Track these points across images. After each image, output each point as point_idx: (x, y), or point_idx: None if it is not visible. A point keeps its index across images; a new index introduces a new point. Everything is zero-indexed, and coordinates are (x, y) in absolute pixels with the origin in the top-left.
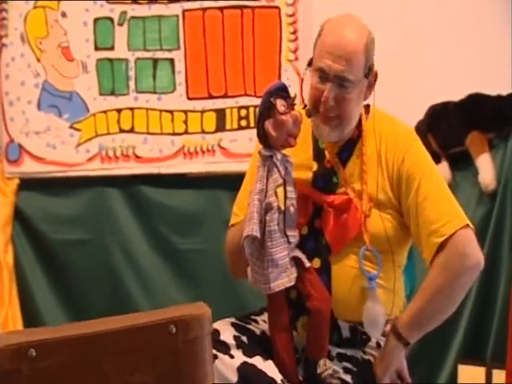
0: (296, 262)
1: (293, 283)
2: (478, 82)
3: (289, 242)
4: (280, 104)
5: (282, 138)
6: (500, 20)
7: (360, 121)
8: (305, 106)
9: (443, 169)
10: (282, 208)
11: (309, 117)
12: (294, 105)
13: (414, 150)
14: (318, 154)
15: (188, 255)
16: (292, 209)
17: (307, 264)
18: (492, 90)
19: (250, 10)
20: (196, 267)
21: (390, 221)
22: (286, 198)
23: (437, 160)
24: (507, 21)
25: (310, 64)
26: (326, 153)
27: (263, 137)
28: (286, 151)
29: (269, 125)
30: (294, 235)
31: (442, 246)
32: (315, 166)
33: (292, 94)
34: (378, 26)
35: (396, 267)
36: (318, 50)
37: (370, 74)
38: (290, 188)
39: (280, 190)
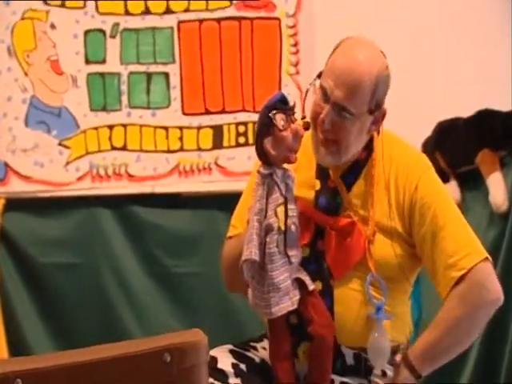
0: (299, 283)
1: (295, 307)
2: (487, 96)
3: (290, 263)
4: (279, 119)
5: (282, 154)
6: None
7: (370, 141)
8: (303, 117)
9: (452, 188)
10: (283, 228)
11: (306, 129)
12: (294, 115)
13: (428, 178)
14: (322, 173)
15: (183, 279)
16: (293, 227)
17: (311, 287)
18: (502, 105)
19: (249, 21)
20: (192, 292)
21: (397, 248)
22: (286, 217)
23: (445, 179)
24: None
25: (319, 76)
26: (331, 172)
27: (262, 155)
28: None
29: (268, 143)
30: (295, 255)
31: (459, 280)
32: (318, 185)
33: (291, 102)
34: (382, 39)
35: (402, 293)
36: (327, 66)
37: (377, 112)
38: (291, 206)
39: (280, 210)
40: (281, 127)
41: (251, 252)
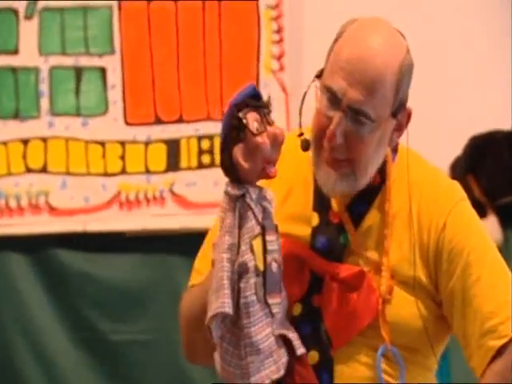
0: (284, 342)
1: (282, 373)
2: None
3: (272, 314)
4: (252, 120)
5: (258, 167)
6: None
7: (384, 164)
8: (301, 133)
9: (490, 225)
10: (261, 268)
11: (304, 150)
12: (271, 113)
13: (461, 213)
14: (321, 202)
15: (125, 349)
16: (275, 266)
17: (299, 350)
18: None
19: (216, 0)
20: (136, 367)
21: (421, 309)
22: (265, 252)
23: (481, 213)
24: None
25: (319, 76)
26: (333, 202)
27: (230, 169)
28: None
29: (238, 152)
30: (277, 302)
31: (500, 351)
32: (316, 219)
33: (265, 97)
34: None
35: (426, 370)
36: (331, 61)
37: (401, 113)
38: (270, 237)
39: (257, 243)
40: (254, 131)
41: (223, 303)
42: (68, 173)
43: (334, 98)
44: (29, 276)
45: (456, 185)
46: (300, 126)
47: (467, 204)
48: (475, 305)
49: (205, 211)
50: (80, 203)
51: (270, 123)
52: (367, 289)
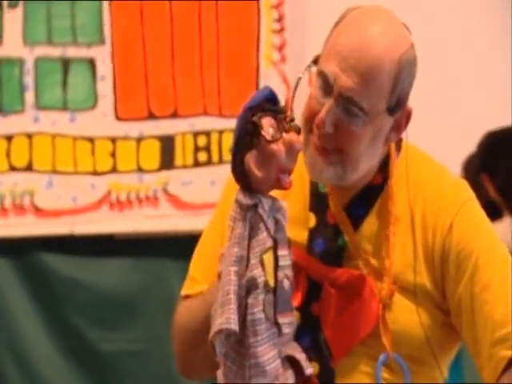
0: (291, 363)
1: None
2: None
3: (280, 334)
4: (268, 126)
5: (271, 177)
6: None
7: (386, 161)
8: (291, 119)
9: (504, 228)
10: (272, 284)
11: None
12: (287, 119)
13: (468, 214)
14: (318, 202)
15: (113, 360)
16: (286, 283)
17: (308, 370)
18: None
19: None
20: (126, 379)
21: (423, 317)
22: (277, 267)
23: (495, 214)
24: None
25: (315, 61)
26: (330, 201)
27: (242, 177)
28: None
29: (251, 160)
30: (288, 322)
31: None
32: (313, 221)
33: (282, 102)
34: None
35: (430, 380)
36: (328, 45)
37: (399, 111)
38: (282, 251)
39: (268, 257)
40: (269, 137)
41: (229, 319)
42: (54, 171)
43: (326, 84)
44: (13, 282)
45: (463, 183)
46: (291, 110)
47: (475, 204)
48: (485, 312)
49: (201, 212)
50: (67, 204)
51: (287, 129)
52: (368, 294)
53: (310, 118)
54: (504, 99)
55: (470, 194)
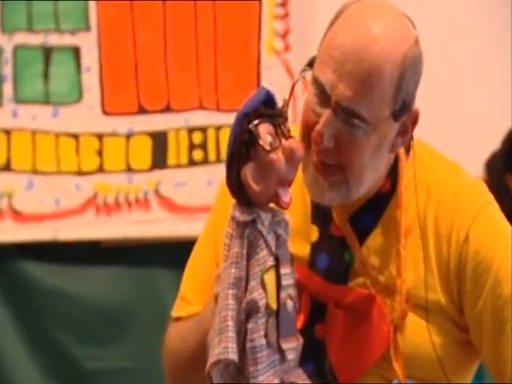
0: None
1: None
2: None
3: (283, 361)
4: (265, 133)
5: (271, 189)
6: None
7: (395, 166)
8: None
9: None
10: (274, 307)
11: None
12: (286, 123)
13: (487, 220)
14: (321, 214)
15: (101, 379)
16: (290, 303)
17: None
18: None
19: None
20: None
21: (438, 333)
22: (279, 288)
23: None
24: None
25: (311, 64)
26: (334, 212)
27: (238, 190)
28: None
29: (248, 173)
30: (293, 348)
31: None
32: (315, 234)
33: (281, 103)
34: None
35: None
36: (323, 47)
37: (404, 115)
38: (285, 270)
39: (269, 277)
40: (268, 146)
41: (226, 348)
42: (35, 171)
43: (322, 93)
44: None
45: (480, 184)
46: (286, 119)
47: (494, 208)
48: (508, 330)
49: (196, 216)
50: (49, 207)
51: (286, 136)
52: (378, 316)
53: (307, 132)
54: (504, 99)
55: (489, 196)
